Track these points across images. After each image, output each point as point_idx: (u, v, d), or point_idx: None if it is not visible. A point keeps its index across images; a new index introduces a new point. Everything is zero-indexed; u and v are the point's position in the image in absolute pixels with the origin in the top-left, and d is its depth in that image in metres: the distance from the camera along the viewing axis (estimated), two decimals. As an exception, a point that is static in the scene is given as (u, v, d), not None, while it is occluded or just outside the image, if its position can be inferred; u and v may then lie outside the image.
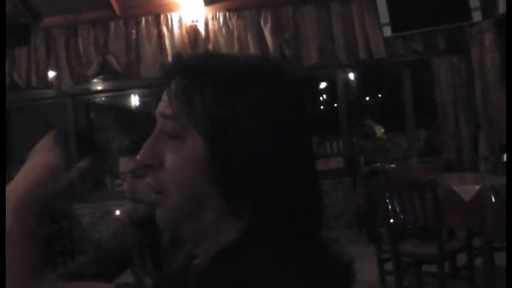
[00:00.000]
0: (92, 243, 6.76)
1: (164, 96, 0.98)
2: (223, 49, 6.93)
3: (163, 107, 0.98)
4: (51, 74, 7.01)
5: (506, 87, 3.46)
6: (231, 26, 7.00)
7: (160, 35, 7.02)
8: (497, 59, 5.86)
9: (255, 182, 0.95)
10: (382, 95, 9.30)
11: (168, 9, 6.99)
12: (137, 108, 7.94)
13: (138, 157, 1.02)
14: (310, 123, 1.02)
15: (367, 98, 9.42)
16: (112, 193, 7.20)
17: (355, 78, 8.42)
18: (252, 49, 6.91)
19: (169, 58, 6.92)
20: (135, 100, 7.91)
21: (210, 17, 7.01)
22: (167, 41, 6.99)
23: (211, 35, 7.01)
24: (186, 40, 6.98)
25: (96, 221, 7.03)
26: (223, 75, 0.95)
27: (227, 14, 7.01)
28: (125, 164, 2.44)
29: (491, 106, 6.04)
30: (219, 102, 0.94)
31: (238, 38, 6.98)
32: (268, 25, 6.97)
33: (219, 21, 7.02)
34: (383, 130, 8.47)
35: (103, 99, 7.92)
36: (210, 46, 6.97)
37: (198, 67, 0.97)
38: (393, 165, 6.65)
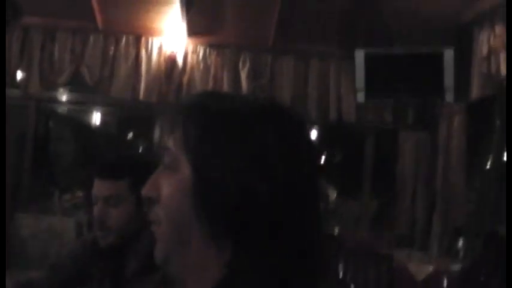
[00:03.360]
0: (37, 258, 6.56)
1: (168, 131, 1.09)
2: (198, 84, 6.93)
3: (165, 141, 1.07)
4: (21, 74, 6.89)
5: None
6: (209, 62, 7.00)
7: (137, 57, 6.97)
8: (463, 141, 5.97)
9: (239, 218, 0.96)
10: (342, 158, 9.35)
11: (151, 32, 6.97)
12: (97, 126, 7.83)
13: (142, 191, 1.08)
14: (306, 165, 1.04)
15: (327, 159, 9.47)
16: (58, 208, 7.01)
17: (320, 136, 8.47)
18: (226, 89, 6.91)
19: (142, 82, 6.89)
20: (97, 117, 7.80)
21: (190, 49, 7.01)
22: (143, 65, 6.94)
23: (188, 68, 6.99)
24: (163, 68, 6.95)
25: (37, 233, 6.83)
26: (219, 113, 1.02)
27: (207, 50, 7.03)
28: (99, 188, 2.39)
29: (451, 188, 6.11)
30: (211, 135, 1.00)
31: (214, 75, 6.98)
32: (246, 68, 6.99)
33: (198, 55, 7.02)
34: (335, 194, 8.49)
35: (66, 110, 7.80)
36: (185, 79, 6.95)
37: (198, 103, 1.06)
38: (345, 231, 6.66)
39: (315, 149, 1.13)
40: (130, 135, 8.26)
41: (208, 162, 0.99)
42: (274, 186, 0.97)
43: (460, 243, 5.55)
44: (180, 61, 6.98)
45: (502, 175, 5.80)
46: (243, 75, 7.00)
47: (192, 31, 6.91)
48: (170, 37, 6.97)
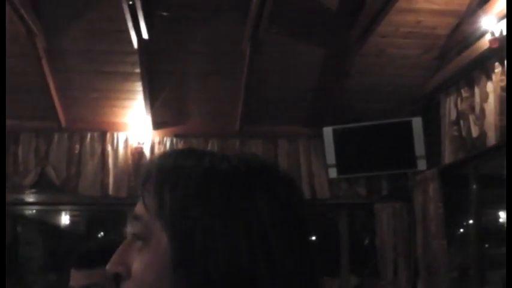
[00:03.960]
0: None
1: (139, 199, 0.92)
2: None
3: (135, 209, 0.91)
4: (-16, 179, 6.73)
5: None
6: (177, 152, 6.94)
7: (104, 152, 6.89)
8: (440, 207, 5.96)
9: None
10: (317, 237, 9.27)
11: (116, 128, 6.92)
12: (67, 226, 7.65)
13: (106, 267, 0.92)
14: (304, 239, 0.90)
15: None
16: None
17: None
18: (196, 177, 6.84)
19: (111, 177, 6.80)
20: (66, 218, 7.62)
21: (156, 140, 6.97)
22: (110, 160, 6.86)
23: (156, 158, 6.92)
24: (130, 161, 6.87)
25: None
26: (198, 172, 0.87)
27: (174, 140, 6.99)
28: (76, 278, 2.24)
29: (432, 254, 6.07)
30: (189, 198, 0.85)
31: (183, 164, 6.91)
32: (215, 155, 6.94)
33: (165, 146, 6.97)
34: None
35: (33, 212, 7.61)
36: (154, 170, 6.87)
37: (172, 164, 0.90)
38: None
39: (311, 218, 0.93)
40: (101, 234, 8.07)
41: (190, 232, 0.83)
42: (271, 262, 0.83)
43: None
44: (147, 153, 6.91)
45: (482, 238, 5.80)
46: (212, 162, 6.93)
47: (157, 123, 6.90)
48: (135, 130, 6.92)
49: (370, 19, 5.61)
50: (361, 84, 6.23)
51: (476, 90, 5.31)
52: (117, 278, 0.91)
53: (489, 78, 5.15)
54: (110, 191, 6.78)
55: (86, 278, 2.17)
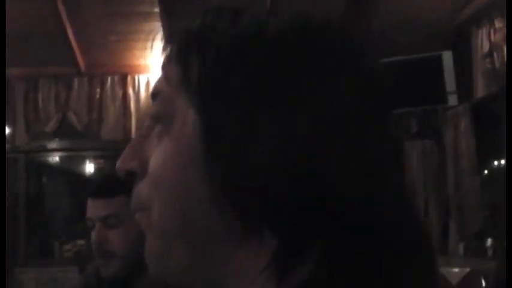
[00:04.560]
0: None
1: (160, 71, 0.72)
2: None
3: (154, 85, 0.71)
4: (7, 129, 6.64)
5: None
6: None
7: (125, 96, 6.76)
8: (472, 143, 5.76)
9: (279, 184, 0.58)
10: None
11: (137, 70, 6.77)
12: (91, 173, 7.56)
13: (117, 163, 0.70)
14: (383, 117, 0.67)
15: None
16: (59, 260, 6.70)
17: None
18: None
19: (133, 121, 6.68)
20: (90, 165, 7.53)
21: (179, 82, 6.81)
22: (132, 104, 6.73)
23: (178, 100, 6.78)
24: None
25: (40, 286, 6.51)
26: (235, 32, 0.65)
27: (197, 80, 6.82)
28: (94, 208, 2.07)
29: (464, 192, 5.90)
30: (225, 62, 0.63)
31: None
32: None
33: (187, 86, 6.82)
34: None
35: (57, 159, 7.51)
36: (177, 112, 6.75)
37: (200, 23, 0.68)
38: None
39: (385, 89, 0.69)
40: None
41: (227, 105, 0.61)
42: (338, 145, 0.60)
43: (488, 242, 5.35)
44: (169, 95, 6.76)
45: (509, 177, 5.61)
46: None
47: (179, 64, 6.72)
48: (157, 73, 6.74)
49: None
50: (389, 18, 5.98)
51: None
52: (131, 177, 0.70)
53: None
54: (133, 134, 6.67)
55: (105, 207, 2.04)
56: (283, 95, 0.60)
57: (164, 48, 0.71)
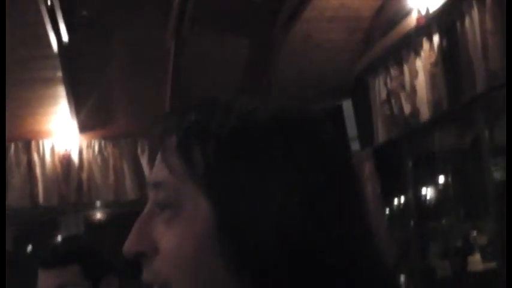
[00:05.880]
0: None
1: (156, 162, 0.80)
2: (98, 179, 6.70)
3: (153, 174, 0.80)
4: None
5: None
6: (106, 155, 6.80)
7: (30, 162, 6.67)
8: (377, 188, 6.03)
9: (284, 256, 0.72)
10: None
11: (40, 136, 6.71)
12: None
13: (124, 247, 0.79)
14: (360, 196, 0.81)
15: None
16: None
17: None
18: (128, 178, 6.73)
19: (40, 187, 6.60)
20: None
21: (84, 145, 6.79)
22: (38, 169, 6.65)
23: (85, 163, 6.76)
24: (59, 169, 6.68)
25: None
26: (228, 127, 0.76)
27: (102, 143, 6.83)
28: (45, 279, 2.11)
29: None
30: (225, 156, 0.75)
31: (113, 166, 6.78)
32: (145, 154, 6.83)
33: (93, 149, 6.81)
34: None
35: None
36: (84, 175, 6.71)
37: (194, 119, 0.78)
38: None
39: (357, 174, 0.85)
40: (29, 248, 7.75)
41: (235, 194, 0.73)
42: (322, 223, 0.74)
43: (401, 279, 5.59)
44: (75, 159, 6.73)
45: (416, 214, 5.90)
46: (144, 161, 6.82)
47: (84, 127, 6.73)
48: (61, 136, 6.72)
49: (296, 5, 5.61)
50: (288, 72, 6.23)
51: (406, 68, 5.40)
52: (140, 258, 0.79)
53: (418, 55, 5.24)
54: (41, 200, 6.58)
55: (57, 277, 2.04)
56: (277, 175, 0.74)
57: (161, 142, 0.79)
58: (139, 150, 6.85)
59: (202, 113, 0.78)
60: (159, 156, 0.79)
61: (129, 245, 0.78)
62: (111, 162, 6.79)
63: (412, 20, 5.03)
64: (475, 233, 5.36)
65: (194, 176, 0.74)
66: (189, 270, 0.74)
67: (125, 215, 6.99)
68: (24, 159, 6.67)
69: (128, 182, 6.73)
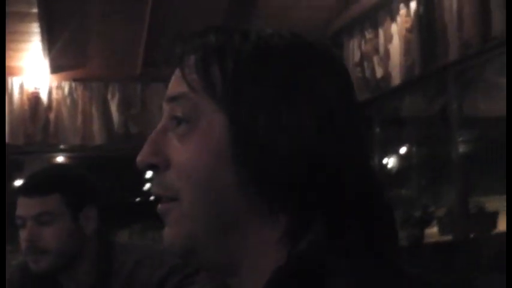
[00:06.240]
0: None
1: (173, 78, 0.84)
2: (66, 121, 6.65)
3: (171, 89, 0.83)
4: None
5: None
6: (75, 97, 6.74)
7: (-2, 98, 6.60)
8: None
9: (297, 171, 0.74)
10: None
11: (10, 72, 6.62)
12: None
13: (137, 159, 0.81)
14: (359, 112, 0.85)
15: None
16: None
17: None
18: (96, 123, 6.69)
19: (6, 124, 6.53)
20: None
21: (54, 85, 6.72)
22: (6, 106, 6.57)
23: (54, 104, 6.69)
24: (26, 107, 6.61)
25: None
26: (249, 46, 0.79)
27: (73, 84, 6.76)
28: (25, 206, 2.11)
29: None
30: (245, 73, 0.77)
31: (82, 110, 6.71)
32: (115, 99, 6.80)
33: (63, 90, 6.74)
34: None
35: None
36: (52, 116, 6.65)
37: (215, 38, 0.81)
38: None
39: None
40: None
41: (253, 110, 0.75)
42: (340, 143, 0.76)
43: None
44: (44, 98, 6.66)
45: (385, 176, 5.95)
46: (113, 107, 6.79)
47: (56, 67, 6.64)
48: (32, 75, 6.65)
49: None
50: (265, 27, 6.18)
51: (381, 31, 5.40)
52: (152, 169, 0.81)
53: (393, 20, 5.24)
54: (6, 138, 6.52)
55: (38, 205, 2.06)
56: (293, 95, 0.77)
57: (179, 61, 0.82)
58: (109, 95, 6.81)
59: (220, 35, 0.81)
60: (177, 72, 0.82)
61: (142, 157, 0.81)
62: (80, 104, 6.72)
63: (391, -16, 5.03)
64: (433, 206, 5.43)
65: (212, 91, 0.77)
66: (200, 184, 0.76)
67: (91, 158, 6.99)
68: (-9, 95, 6.59)
69: (96, 126, 6.68)
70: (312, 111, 0.76)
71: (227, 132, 0.76)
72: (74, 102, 6.74)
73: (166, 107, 0.83)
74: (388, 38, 5.28)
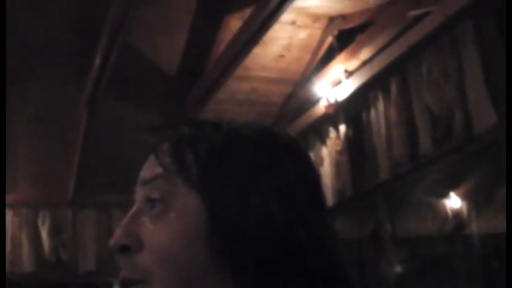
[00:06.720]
0: None
1: (146, 164, 0.86)
2: (-7, 247, 6.47)
3: (145, 173, 0.85)
4: None
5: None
6: (7, 224, 6.58)
7: None
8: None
9: (271, 253, 0.77)
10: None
11: None
12: None
13: (110, 241, 0.82)
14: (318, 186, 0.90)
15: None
16: None
17: None
18: (26, 250, 6.52)
19: None
20: None
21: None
22: None
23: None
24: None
25: None
26: (219, 136, 0.84)
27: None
28: None
29: None
30: (216, 158, 0.81)
31: (12, 235, 6.55)
32: (46, 225, 6.67)
33: (-7, 216, 6.59)
34: None
35: None
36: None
37: (188, 130, 0.86)
38: None
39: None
40: None
41: (225, 193, 0.78)
42: (304, 224, 0.80)
43: None
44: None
45: None
46: (44, 232, 6.65)
47: (-15, 192, 6.51)
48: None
49: (208, 86, 5.70)
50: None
51: (312, 155, 5.49)
52: (124, 251, 0.81)
53: (324, 143, 5.36)
54: None
55: None
56: (260, 180, 0.81)
57: (153, 148, 0.85)
58: (40, 221, 6.68)
59: (193, 127, 0.85)
60: (150, 159, 0.85)
61: (115, 240, 0.81)
62: (10, 230, 6.56)
63: (321, 108, 5.16)
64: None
65: (187, 174, 0.80)
66: (173, 266, 0.77)
67: (20, 286, 6.76)
68: None
69: (25, 253, 6.52)
70: (277, 195, 0.80)
71: (202, 215, 0.78)
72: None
73: (140, 191, 0.85)
74: (320, 162, 5.37)
